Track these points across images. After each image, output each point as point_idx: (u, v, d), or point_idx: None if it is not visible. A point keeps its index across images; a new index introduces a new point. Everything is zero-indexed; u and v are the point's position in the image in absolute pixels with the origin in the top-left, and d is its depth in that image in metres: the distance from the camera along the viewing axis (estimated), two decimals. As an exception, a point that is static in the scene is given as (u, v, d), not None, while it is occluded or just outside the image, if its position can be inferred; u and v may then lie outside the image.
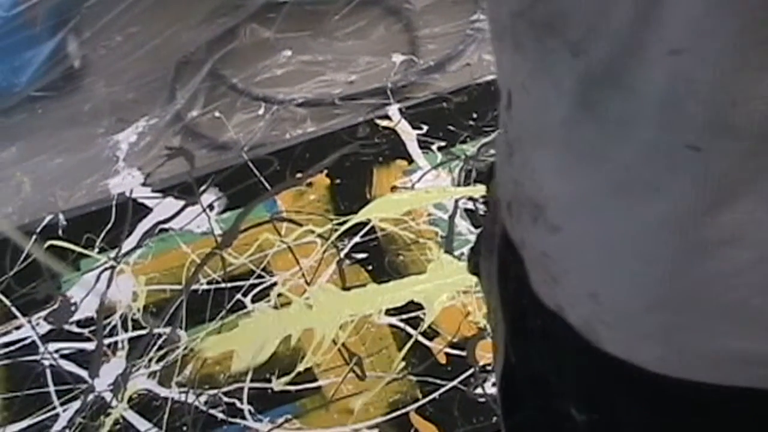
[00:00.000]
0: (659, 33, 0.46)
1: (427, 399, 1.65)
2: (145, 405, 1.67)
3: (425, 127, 2.04)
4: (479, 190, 1.92)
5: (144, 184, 1.98)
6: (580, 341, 0.60)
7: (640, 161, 0.51)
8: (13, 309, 1.80)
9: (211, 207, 1.92)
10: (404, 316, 1.75)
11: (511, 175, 0.63)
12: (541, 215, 0.59)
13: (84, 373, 1.71)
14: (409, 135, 2.03)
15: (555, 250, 0.60)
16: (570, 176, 0.55)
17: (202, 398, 1.67)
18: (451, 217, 1.89)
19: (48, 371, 1.71)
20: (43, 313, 1.78)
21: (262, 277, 1.81)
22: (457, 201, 1.91)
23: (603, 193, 0.54)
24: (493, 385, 1.66)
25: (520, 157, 0.60)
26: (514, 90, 0.59)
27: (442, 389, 1.66)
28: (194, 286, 1.81)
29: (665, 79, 0.47)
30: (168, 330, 1.75)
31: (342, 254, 1.84)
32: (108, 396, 1.68)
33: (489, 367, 1.69)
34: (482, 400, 1.65)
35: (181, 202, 1.93)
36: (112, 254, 1.86)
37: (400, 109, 2.07)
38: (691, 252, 0.52)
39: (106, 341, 1.74)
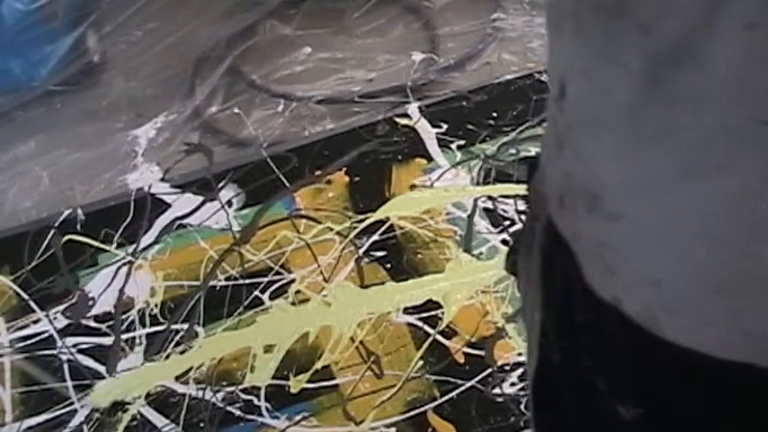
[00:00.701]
0: (733, 8, 0.46)
1: (444, 398, 1.65)
2: (163, 401, 1.66)
3: (444, 126, 2.03)
4: (498, 189, 1.92)
5: (162, 180, 1.98)
6: (638, 332, 0.59)
7: (710, 139, 0.50)
8: (31, 303, 1.80)
9: (229, 203, 1.92)
10: (422, 315, 1.74)
11: (562, 168, 0.62)
12: (597, 205, 0.58)
13: (101, 368, 1.71)
14: (428, 133, 2.02)
15: (613, 238, 0.59)
16: (632, 161, 0.55)
17: (220, 395, 1.66)
18: (470, 216, 1.88)
19: (65, 366, 1.71)
20: (60, 308, 1.78)
21: (280, 273, 1.81)
22: (476, 200, 1.90)
23: (668, 176, 0.53)
24: (512, 385, 1.66)
25: (573, 148, 0.60)
26: (570, 78, 0.58)
27: (460, 389, 1.66)
28: (212, 282, 1.80)
29: (738, 54, 0.47)
30: (186, 326, 1.75)
31: (360, 252, 1.83)
32: (125, 391, 1.68)
33: (507, 367, 1.68)
34: (500, 400, 1.65)
35: (200, 198, 1.93)
36: (130, 249, 1.86)
37: (419, 108, 2.07)
38: (759, 230, 0.51)
39: (124, 336, 1.74)
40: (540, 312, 0.69)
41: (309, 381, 1.68)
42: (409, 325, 1.74)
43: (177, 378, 1.69)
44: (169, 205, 1.93)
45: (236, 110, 2.14)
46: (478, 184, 1.93)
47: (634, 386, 0.64)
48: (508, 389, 1.66)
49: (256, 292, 1.78)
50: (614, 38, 0.52)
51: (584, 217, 0.60)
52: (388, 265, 1.82)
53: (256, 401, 1.66)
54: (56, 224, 1.91)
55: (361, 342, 1.71)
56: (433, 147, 2.00)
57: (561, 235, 0.64)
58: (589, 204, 0.59)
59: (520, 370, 1.68)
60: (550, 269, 0.68)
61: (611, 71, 0.53)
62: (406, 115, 2.06)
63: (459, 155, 1.98)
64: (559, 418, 0.71)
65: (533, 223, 0.69)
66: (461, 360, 1.69)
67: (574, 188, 0.61)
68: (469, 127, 2.03)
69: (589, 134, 0.58)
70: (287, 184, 1.94)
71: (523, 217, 1.85)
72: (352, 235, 1.86)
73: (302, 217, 1.89)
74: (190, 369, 1.70)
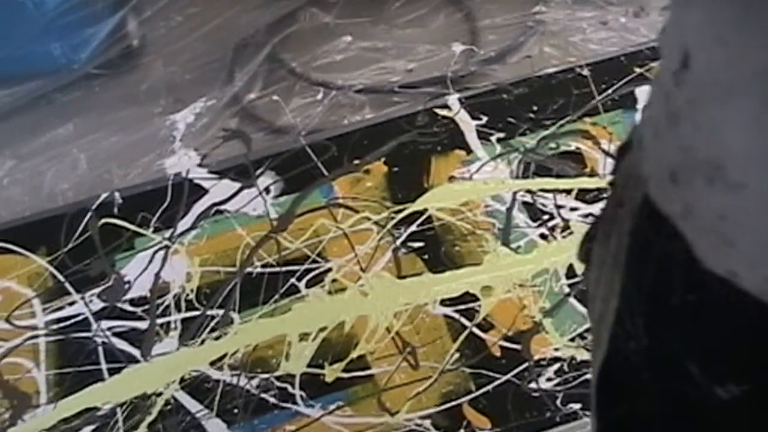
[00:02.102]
0: None
1: (480, 392, 1.64)
2: (197, 386, 1.66)
3: (484, 118, 2.01)
4: (537, 183, 1.90)
5: (200, 165, 1.97)
6: (755, 306, 0.58)
7: None
8: (67, 285, 1.80)
9: (267, 190, 1.91)
10: (459, 307, 1.73)
11: (676, 144, 0.61)
12: (720, 176, 0.57)
13: (136, 352, 1.71)
14: (468, 125, 2.00)
15: (736, 209, 0.58)
16: (764, 127, 0.53)
17: (254, 382, 1.66)
18: (509, 210, 1.87)
19: (100, 349, 1.71)
20: (96, 290, 1.78)
21: (317, 262, 1.80)
22: (515, 193, 1.89)
23: None
24: (548, 380, 1.64)
25: (694, 120, 0.58)
26: (699, 46, 0.57)
27: (496, 382, 1.65)
28: (248, 269, 1.80)
29: None
30: (221, 312, 1.74)
31: (398, 242, 1.82)
32: (160, 375, 1.68)
33: (543, 362, 1.67)
34: (536, 394, 1.64)
35: (237, 185, 1.92)
36: (167, 234, 1.86)
37: (459, 99, 2.05)
38: None
39: (159, 321, 1.74)
40: (617, 299, 0.68)
41: (344, 370, 1.67)
42: (446, 317, 1.73)
43: (211, 364, 1.69)
44: (206, 191, 1.92)
45: (275, 97, 2.13)
46: (517, 177, 1.92)
47: (741, 364, 0.62)
48: (544, 384, 1.65)
49: (293, 280, 1.78)
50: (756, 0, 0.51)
51: (702, 191, 0.59)
52: (426, 257, 1.80)
53: (290, 389, 1.65)
54: (93, 207, 1.90)
55: (397, 333, 1.70)
56: (472, 139, 1.98)
57: (662, 214, 0.63)
58: (709, 176, 0.58)
59: (556, 365, 1.67)
60: (643, 251, 0.67)
61: (749, 35, 0.52)
62: (445, 107, 2.04)
63: (498, 148, 1.96)
64: (632, 409, 0.70)
65: (616, 209, 0.68)
66: (497, 353, 1.68)
67: (691, 162, 0.59)
68: (510, 119, 2.01)
69: (716, 103, 0.56)
70: (325, 172, 1.93)
71: (561, 211, 1.84)
72: (389, 226, 1.84)
73: (340, 206, 1.88)
74: (225, 355, 1.70)
